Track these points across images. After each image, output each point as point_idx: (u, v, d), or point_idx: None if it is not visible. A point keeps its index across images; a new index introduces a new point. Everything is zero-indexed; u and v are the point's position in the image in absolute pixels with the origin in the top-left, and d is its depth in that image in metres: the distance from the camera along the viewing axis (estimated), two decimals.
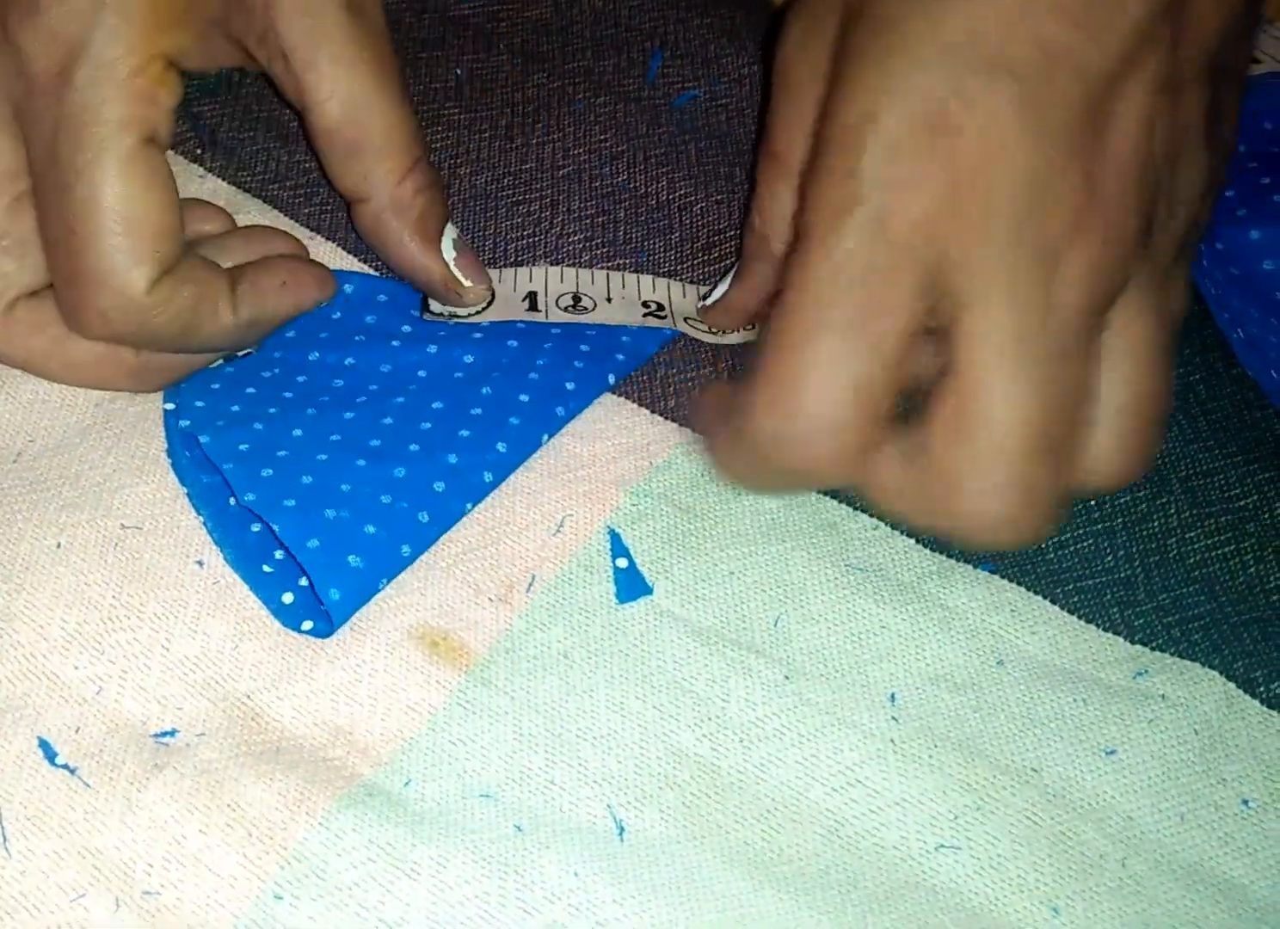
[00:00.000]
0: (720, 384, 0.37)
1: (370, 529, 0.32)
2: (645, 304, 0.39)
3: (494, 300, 0.38)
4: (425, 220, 0.36)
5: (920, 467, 0.30)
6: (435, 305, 0.37)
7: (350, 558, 0.31)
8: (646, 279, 0.39)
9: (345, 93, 0.33)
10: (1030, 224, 0.29)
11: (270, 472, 0.33)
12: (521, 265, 0.39)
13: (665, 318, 0.38)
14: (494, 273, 0.39)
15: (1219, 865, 0.30)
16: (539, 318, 0.37)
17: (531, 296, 0.38)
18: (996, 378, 0.29)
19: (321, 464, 0.33)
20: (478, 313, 0.37)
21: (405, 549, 0.32)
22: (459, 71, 0.44)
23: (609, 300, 0.38)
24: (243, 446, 0.33)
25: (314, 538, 0.31)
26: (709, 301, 0.39)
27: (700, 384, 0.37)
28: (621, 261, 0.40)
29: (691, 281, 0.40)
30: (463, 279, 0.37)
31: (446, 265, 0.36)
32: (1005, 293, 0.29)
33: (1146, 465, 0.31)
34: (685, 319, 0.39)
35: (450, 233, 0.37)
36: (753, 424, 0.30)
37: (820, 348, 0.30)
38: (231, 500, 0.33)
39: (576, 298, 0.38)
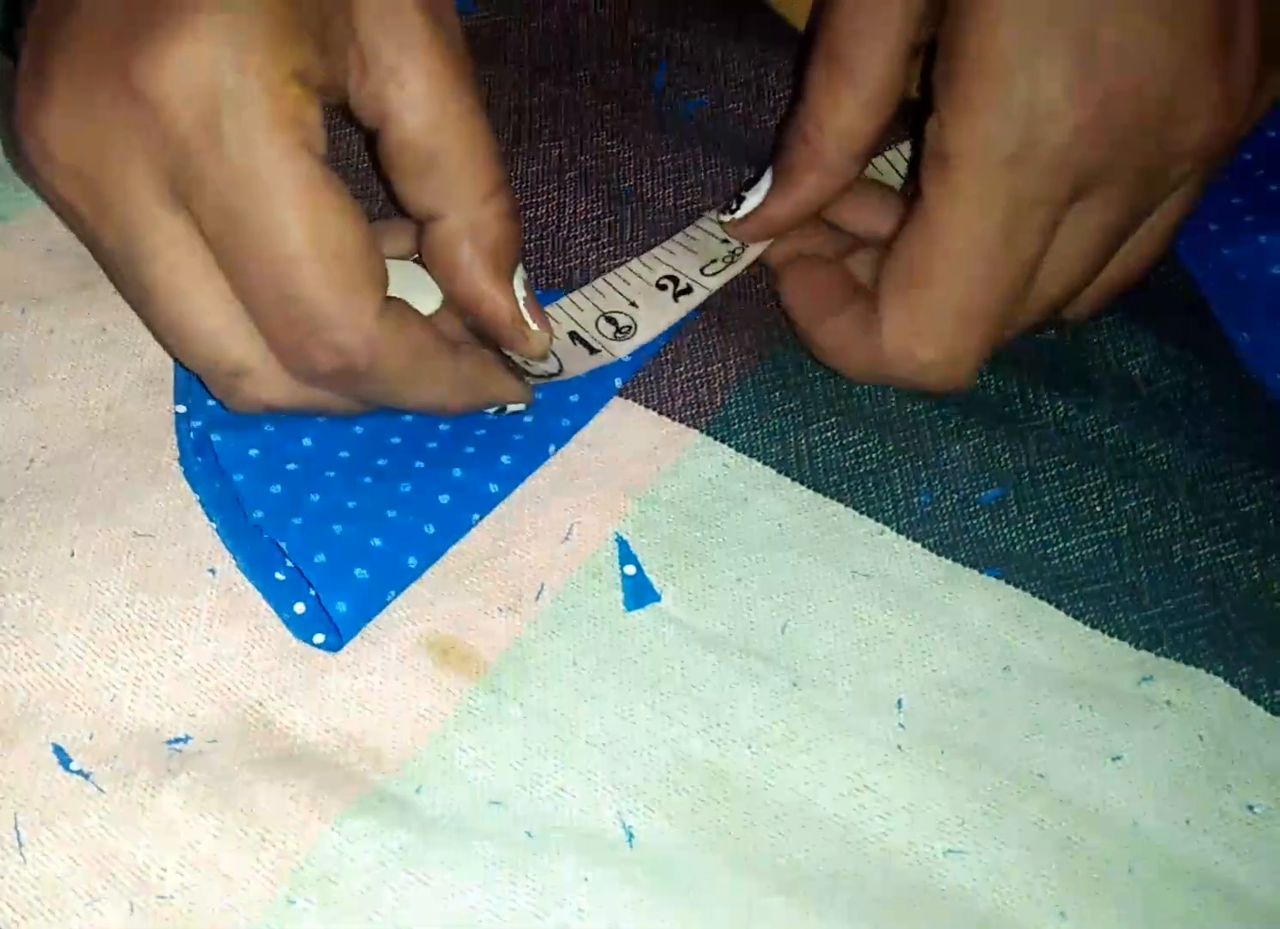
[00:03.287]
0: (820, 264, 0.37)
1: (376, 542, 0.32)
2: (660, 285, 0.38)
3: (557, 357, 0.36)
4: (501, 250, 0.33)
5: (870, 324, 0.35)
6: (536, 368, 0.35)
7: (357, 571, 0.31)
8: (646, 259, 0.39)
9: (427, 103, 0.31)
10: (1160, 136, 0.32)
11: (279, 488, 0.33)
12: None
13: (692, 289, 0.38)
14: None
15: (1225, 871, 0.30)
16: (608, 358, 0.36)
17: (575, 337, 0.37)
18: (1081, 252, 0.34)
19: (329, 481, 0.33)
20: (558, 372, 0.36)
21: (412, 561, 0.32)
22: None
23: (635, 306, 0.38)
24: (253, 452, 0.33)
25: (320, 553, 0.32)
26: (740, 213, 0.38)
27: (709, 383, 0.37)
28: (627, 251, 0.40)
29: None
30: (530, 320, 0.34)
31: (517, 302, 0.34)
32: (1111, 191, 0.33)
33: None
34: (702, 270, 0.38)
35: (521, 273, 0.34)
36: (889, 359, 0.35)
37: (974, 283, 0.33)
38: (239, 477, 0.33)
39: (612, 320, 0.37)
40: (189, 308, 0.31)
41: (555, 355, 0.36)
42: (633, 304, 0.38)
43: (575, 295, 0.38)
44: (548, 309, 0.37)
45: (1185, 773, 0.32)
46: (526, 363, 0.35)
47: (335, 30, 0.30)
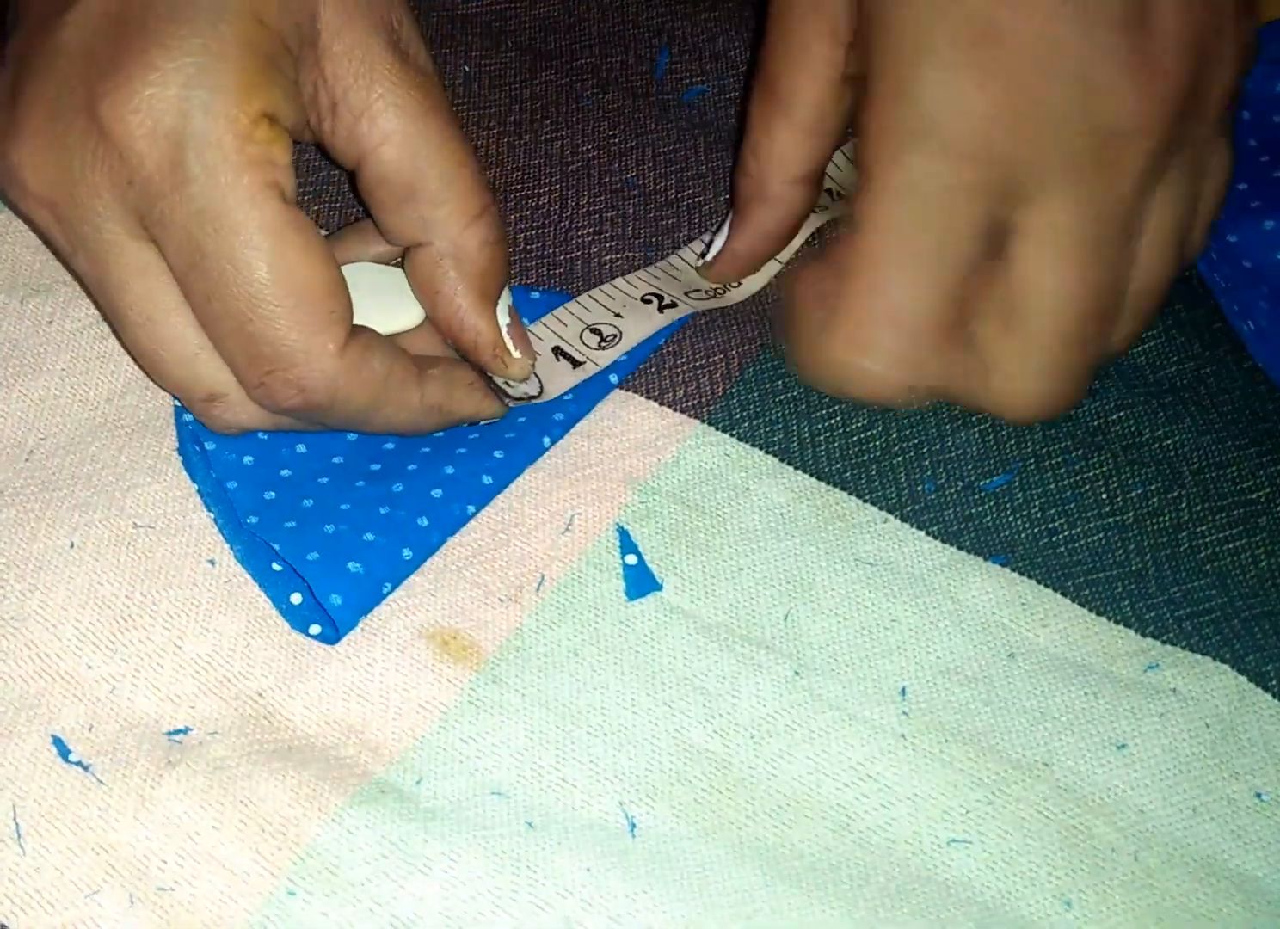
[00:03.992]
0: (814, 270, 0.36)
1: (369, 537, 0.32)
2: (645, 299, 0.38)
3: (539, 378, 0.36)
4: (486, 276, 0.33)
5: (970, 354, 0.33)
6: (516, 389, 0.35)
7: (350, 565, 0.31)
8: (630, 278, 0.39)
9: (400, 135, 0.31)
10: (1087, 116, 0.31)
11: (273, 494, 0.33)
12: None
13: (676, 305, 0.38)
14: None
15: (1232, 858, 0.30)
16: (592, 369, 0.36)
17: (559, 352, 0.37)
18: (1049, 272, 0.32)
19: (322, 486, 0.33)
20: (538, 395, 0.36)
21: (406, 553, 0.32)
22: (467, 68, 0.44)
23: (620, 317, 0.37)
24: (247, 459, 0.33)
25: (313, 551, 0.31)
26: (709, 257, 0.38)
27: (710, 373, 0.37)
28: (630, 255, 0.40)
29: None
30: (511, 348, 0.34)
31: (499, 329, 0.34)
32: (1063, 188, 0.31)
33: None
34: (686, 294, 0.38)
35: (506, 298, 0.34)
36: (827, 359, 0.33)
37: (904, 278, 0.32)
38: (232, 484, 0.33)
39: (596, 331, 0.37)
40: (160, 335, 0.31)
41: (537, 377, 0.36)
42: (618, 315, 0.38)
43: (559, 311, 0.38)
44: (532, 326, 0.37)
45: (1191, 760, 0.31)
46: (507, 384, 0.35)
47: (306, 70, 0.31)
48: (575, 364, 0.36)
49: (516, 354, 0.34)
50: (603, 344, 0.37)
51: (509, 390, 0.35)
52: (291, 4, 0.30)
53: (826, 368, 0.34)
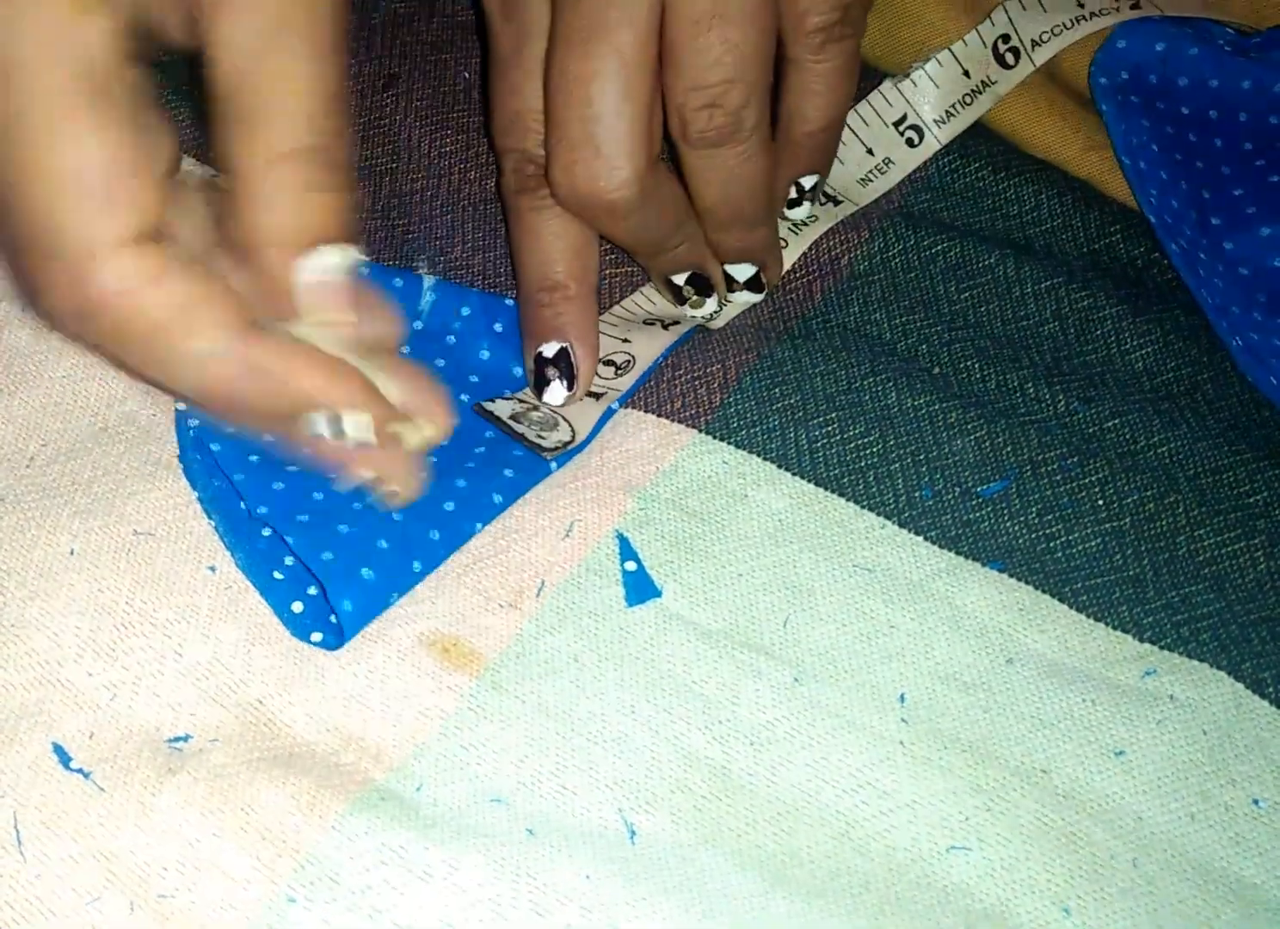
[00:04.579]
0: None
1: (383, 544, 0.32)
2: (647, 322, 0.38)
3: (569, 423, 0.36)
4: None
5: None
6: (549, 440, 0.35)
7: (363, 570, 0.31)
8: (626, 303, 0.39)
9: (226, 44, 0.27)
10: None
11: (282, 485, 0.33)
12: None
13: (679, 321, 0.38)
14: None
15: (1230, 865, 0.30)
16: (615, 396, 0.36)
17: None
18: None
19: (331, 482, 0.33)
20: (571, 440, 0.35)
21: (416, 565, 0.32)
22: (467, 75, 0.44)
23: (628, 342, 0.38)
24: (253, 458, 0.33)
25: (328, 551, 0.31)
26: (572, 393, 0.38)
27: (707, 384, 0.37)
28: (630, 266, 0.40)
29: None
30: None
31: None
32: None
33: None
34: (676, 321, 0.39)
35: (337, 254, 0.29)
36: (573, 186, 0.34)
37: (607, 87, 0.33)
38: (243, 505, 0.33)
39: (609, 363, 0.37)
40: None
41: (567, 422, 0.36)
42: (625, 341, 0.38)
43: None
44: None
45: (1189, 767, 0.31)
46: (540, 436, 0.35)
47: None
48: (598, 397, 0.36)
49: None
50: (619, 372, 0.37)
51: (543, 442, 0.35)
52: None
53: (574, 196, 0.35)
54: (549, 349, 0.36)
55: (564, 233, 0.36)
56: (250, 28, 0.27)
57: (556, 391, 0.36)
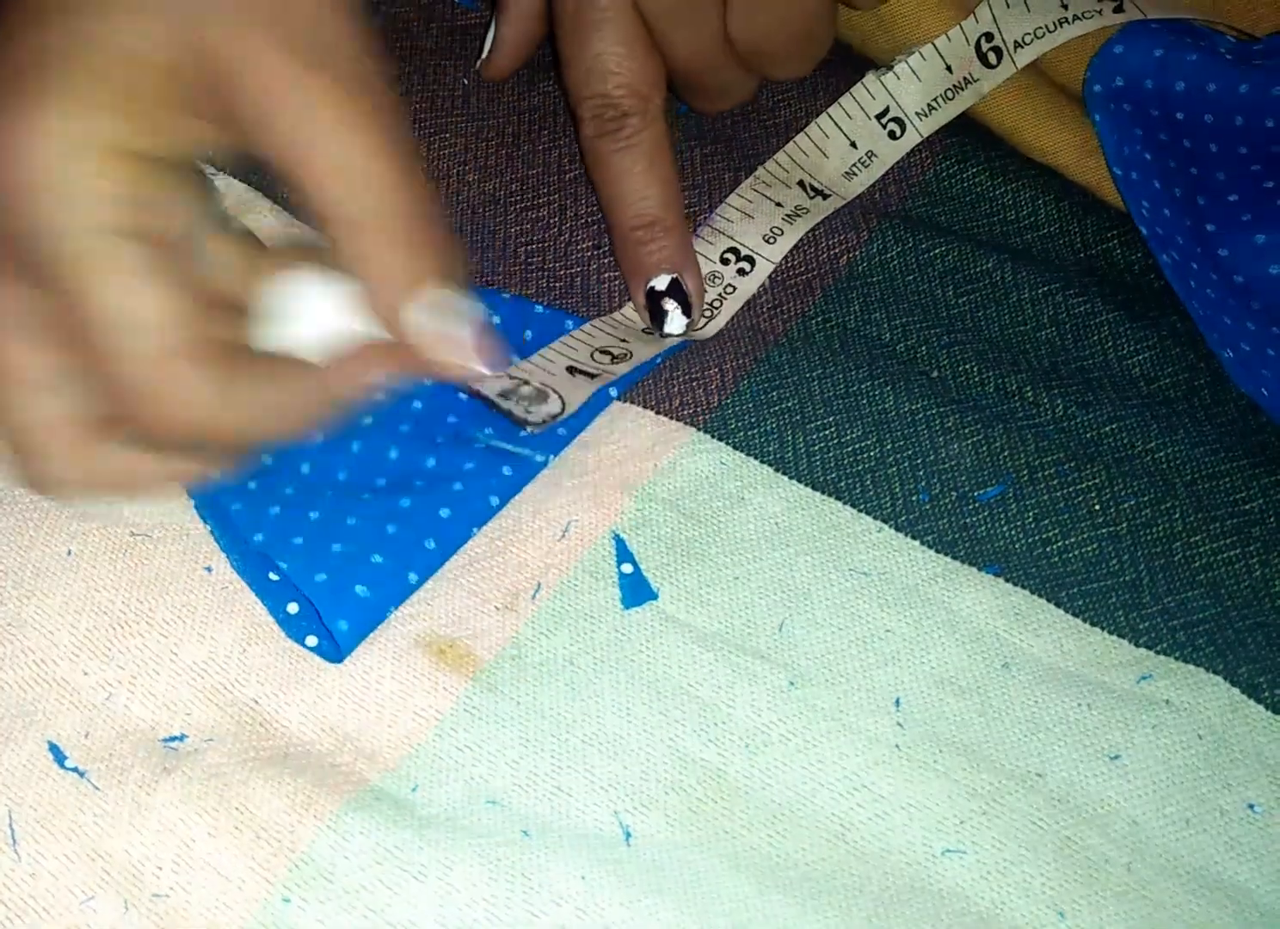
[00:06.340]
0: None
1: (377, 559, 0.32)
2: (646, 331, 0.38)
3: (560, 395, 0.36)
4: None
5: None
6: (537, 413, 0.35)
7: (358, 588, 0.31)
8: (626, 310, 0.39)
9: (312, 156, 0.28)
10: None
11: (277, 509, 0.33)
12: (526, 358, 0.37)
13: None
14: (525, 370, 0.36)
15: (1225, 870, 0.30)
16: (610, 379, 0.36)
17: (573, 370, 0.36)
18: None
19: (328, 500, 0.33)
20: (560, 412, 0.35)
21: (412, 576, 0.32)
22: (465, 81, 0.44)
23: (625, 341, 0.38)
24: (250, 485, 0.33)
25: (321, 572, 0.31)
26: (484, 56, 0.43)
27: (705, 385, 0.37)
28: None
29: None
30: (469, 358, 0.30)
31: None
32: None
33: None
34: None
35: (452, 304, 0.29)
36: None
37: None
38: (235, 506, 0.33)
39: (607, 352, 0.37)
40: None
41: (557, 393, 0.36)
42: (623, 340, 0.38)
43: (567, 338, 0.37)
44: (541, 351, 0.37)
45: (1184, 771, 0.31)
46: (527, 411, 0.35)
47: (211, 96, 0.28)
48: (592, 377, 0.36)
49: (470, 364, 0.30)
50: (615, 361, 0.37)
51: (530, 416, 0.35)
52: (175, 34, 0.27)
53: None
54: (661, 282, 0.37)
55: (650, 168, 0.38)
56: (309, 129, 0.28)
57: (677, 320, 0.37)
